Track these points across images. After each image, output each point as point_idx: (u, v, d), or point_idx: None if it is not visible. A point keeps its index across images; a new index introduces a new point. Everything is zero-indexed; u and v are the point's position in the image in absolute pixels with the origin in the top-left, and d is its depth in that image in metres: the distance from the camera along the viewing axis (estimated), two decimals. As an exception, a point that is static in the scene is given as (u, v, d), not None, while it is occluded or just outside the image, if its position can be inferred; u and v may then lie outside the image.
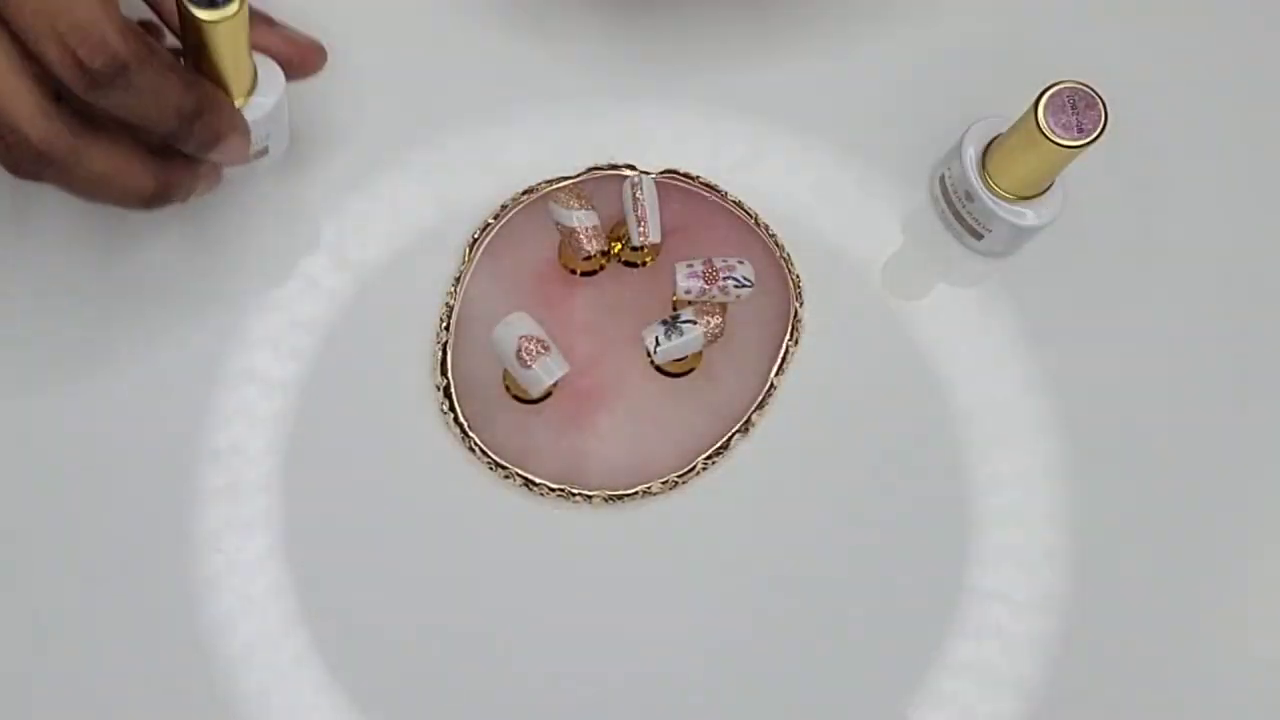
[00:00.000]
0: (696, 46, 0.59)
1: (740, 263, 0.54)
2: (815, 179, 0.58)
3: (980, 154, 0.55)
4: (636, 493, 0.54)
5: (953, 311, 0.57)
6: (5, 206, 0.56)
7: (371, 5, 0.58)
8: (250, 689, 0.53)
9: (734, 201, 0.57)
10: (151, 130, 0.47)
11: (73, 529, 0.54)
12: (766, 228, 0.57)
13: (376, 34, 0.58)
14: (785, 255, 0.56)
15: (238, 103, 0.49)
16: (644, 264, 0.56)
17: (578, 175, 0.57)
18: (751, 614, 0.55)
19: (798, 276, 0.56)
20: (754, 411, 0.55)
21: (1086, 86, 0.51)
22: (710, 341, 0.54)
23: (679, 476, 0.54)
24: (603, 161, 0.57)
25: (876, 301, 0.57)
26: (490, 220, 0.56)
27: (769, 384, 0.55)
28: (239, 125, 0.49)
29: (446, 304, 0.56)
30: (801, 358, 0.56)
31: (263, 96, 0.50)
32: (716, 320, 0.54)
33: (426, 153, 0.57)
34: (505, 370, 0.54)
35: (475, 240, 0.56)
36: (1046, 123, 0.50)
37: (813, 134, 0.58)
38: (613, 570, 0.55)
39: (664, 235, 0.55)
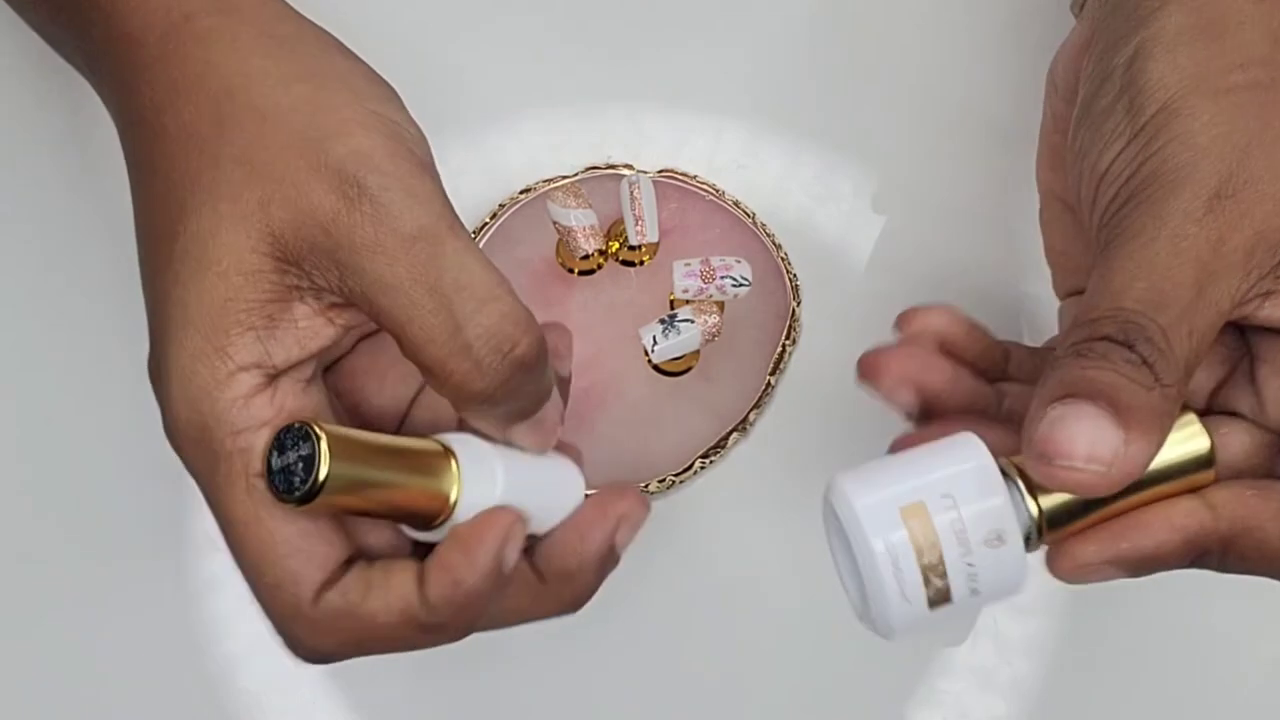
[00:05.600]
0: (695, 46, 0.59)
1: (738, 262, 0.54)
2: (813, 178, 0.58)
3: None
4: (634, 492, 0.54)
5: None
6: (6, 210, 0.56)
7: (370, 4, 0.58)
8: (248, 689, 0.53)
9: (732, 200, 0.57)
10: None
11: (72, 528, 0.54)
12: (764, 227, 0.57)
13: (374, 33, 0.58)
14: (783, 255, 0.56)
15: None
16: (641, 263, 0.56)
17: (575, 175, 0.57)
18: (749, 613, 0.55)
19: (795, 275, 0.56)
20: (751, 411, 0.55)
21: None
22: (708, 340, 0.54)
23: (676, 476, 0.54)
24: (600, 161, 0.57)
25: (875, 301, 0.57)
26: (488, 220, 0.56)
27: (766, 383, 0.55)
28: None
29: (444, 304, 0.56)
30: (799, 357, 0.56)
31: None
32: (714, 319, 0.54)
33: (425, 152, 0.57)
34: (503, 370, 0.54)
35: (473, 239, 0.56)
36: None
37: (811, 133, 0.58)
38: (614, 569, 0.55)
39: (661, 234, 0.55)
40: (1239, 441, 0.42)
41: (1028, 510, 0.40)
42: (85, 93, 0.47)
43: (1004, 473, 0.40)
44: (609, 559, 0.43)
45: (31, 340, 0.55)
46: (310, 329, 0.41)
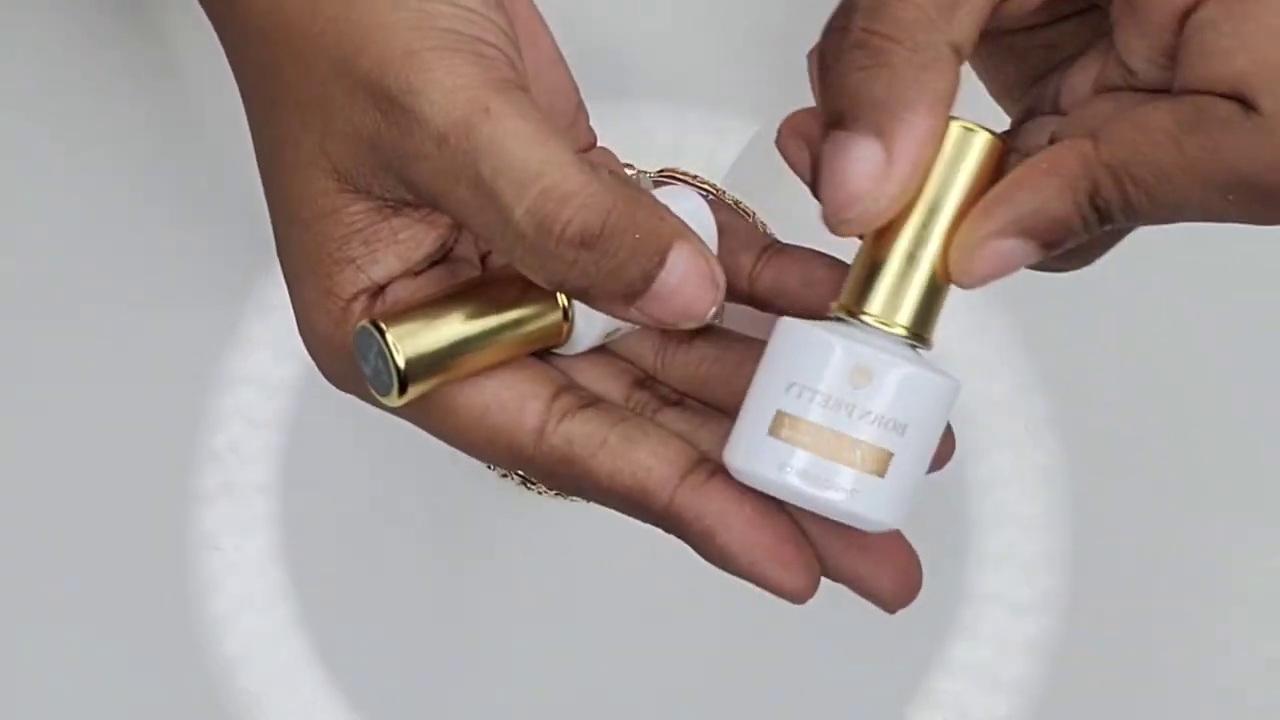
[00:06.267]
0: (696, 44, 0.58)
1: (738, 262, 0.54)
2: (814, 177, 0.58)
3: None
4: (634, 493, 0.54)
5: (951, 311, 0.57)
6: (2, 204, 0.56)
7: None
8: (248, 689, 0.53)
9: (732, 200, 0.57)
10: None
11: (71, 529, 0.54)
12: (765, 226, 0.56)
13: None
14: (784, 254, 0.56)
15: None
16: (642, 263, 0.56)
17: (575, 175, 0.57)
18: (750, 613, 0.54)
19: (796, 276, 0.56)
20: (752, 411, 0.55)
21: None
22: (708, 341, 0.54)
23: (677, 476, 0.54)
24: (600, 161, 0.57)
25: (875, 301, 0.57)
26: (488, 220, 0.56)
27: (767, 383, 0.55)
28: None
29: (444, 304, 0.56)
30: (799, 357, 0.56)
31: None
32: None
33: (425, 152, 0.57)
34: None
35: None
36: None
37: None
38: (613, 570, 0.55)
39: (662, 235, 0.55)
40: (1106, 111, 0.38)
41: (888, 330, 0.37)
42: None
43: (836, 319, 0.37)
44: None
45: (30, 340, 0.55)
46: (412, 239, 0.40)
